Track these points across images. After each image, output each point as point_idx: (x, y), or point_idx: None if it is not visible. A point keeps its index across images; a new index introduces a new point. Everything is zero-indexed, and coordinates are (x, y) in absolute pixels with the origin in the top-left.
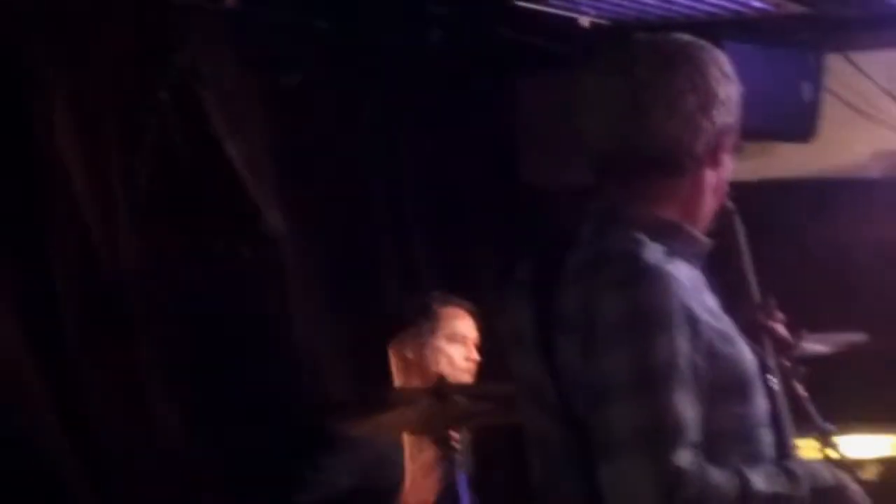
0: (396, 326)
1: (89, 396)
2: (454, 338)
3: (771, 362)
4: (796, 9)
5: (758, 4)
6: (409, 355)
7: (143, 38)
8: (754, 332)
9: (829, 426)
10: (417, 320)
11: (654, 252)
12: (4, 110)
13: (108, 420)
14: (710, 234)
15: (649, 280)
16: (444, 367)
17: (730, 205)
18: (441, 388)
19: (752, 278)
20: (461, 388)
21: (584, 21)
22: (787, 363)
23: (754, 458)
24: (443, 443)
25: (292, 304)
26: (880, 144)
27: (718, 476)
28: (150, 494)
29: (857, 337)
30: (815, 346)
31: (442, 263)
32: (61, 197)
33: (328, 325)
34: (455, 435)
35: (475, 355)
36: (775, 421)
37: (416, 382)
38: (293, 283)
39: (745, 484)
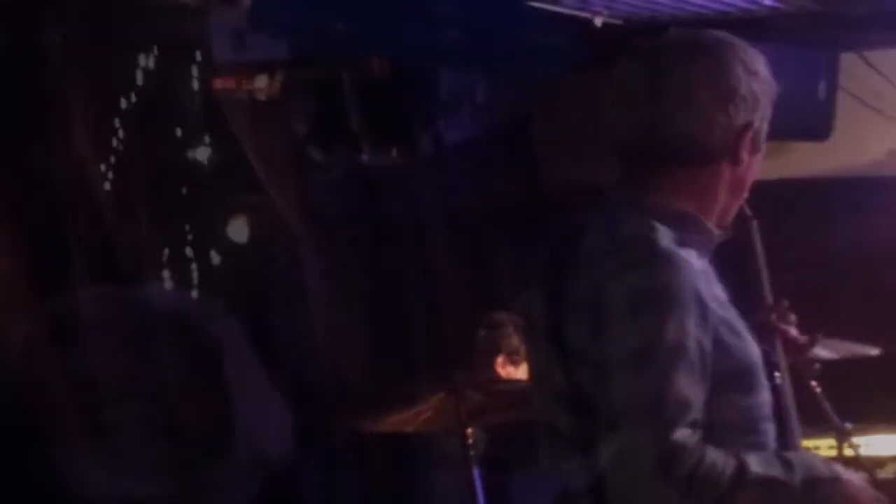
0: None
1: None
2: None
3: (779, 360)
4: (810, 7)
5: (770, 3)
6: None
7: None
8: (766, 333)
9: (845, 425)
10: (502, 339)
11: (666, 237)
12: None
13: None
14: (726, 238)
15: (662, 262)
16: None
17: (747, 211)
18: (456, 385)
19: (765, 282)
20: (476, 385)
21: (597, 21)
22: (801, 361)
23: (758, 450)
24: (458, 440)
25: (312, 302)
26: None
27: (715, 455)
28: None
29: (870, 350)
30: (825, 352)
31: (460, 262)
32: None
33: (348, 323)
34: (470, 431)
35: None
36: (779, 417)
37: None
38: (312, 280)
39: (740, 465)
